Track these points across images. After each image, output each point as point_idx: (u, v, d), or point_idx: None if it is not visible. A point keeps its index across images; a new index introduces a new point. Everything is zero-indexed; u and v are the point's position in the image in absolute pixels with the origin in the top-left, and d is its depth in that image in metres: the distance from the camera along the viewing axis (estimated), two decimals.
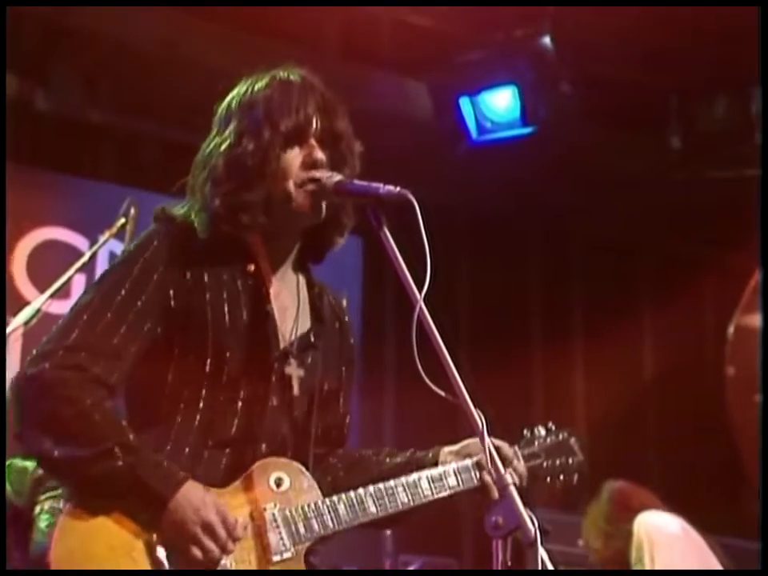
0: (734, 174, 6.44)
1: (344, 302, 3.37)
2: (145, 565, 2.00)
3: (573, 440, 2.53)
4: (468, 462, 2.34)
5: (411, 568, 5.38)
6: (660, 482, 6.65)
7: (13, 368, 5.15)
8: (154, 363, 2.13)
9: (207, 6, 5.52)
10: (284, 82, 2.26)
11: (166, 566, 2.00)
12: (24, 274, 5.86)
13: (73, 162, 6.17)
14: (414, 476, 2.28)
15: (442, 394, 1.87)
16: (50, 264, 5.39)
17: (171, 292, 2.13)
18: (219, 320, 2.14)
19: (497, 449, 2.29)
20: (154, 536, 2.01)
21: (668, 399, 7.56)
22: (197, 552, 2.00)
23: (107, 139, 6.37)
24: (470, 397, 1.86)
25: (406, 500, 2.24)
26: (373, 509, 2.19)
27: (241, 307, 2.18)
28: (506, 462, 2.31)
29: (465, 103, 6.26)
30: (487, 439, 1.84)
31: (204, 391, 2.13)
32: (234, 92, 2.29)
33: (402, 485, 2.25)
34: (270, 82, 2.26)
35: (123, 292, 2.11)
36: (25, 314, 3.74)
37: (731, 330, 7.07)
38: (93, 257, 4.10)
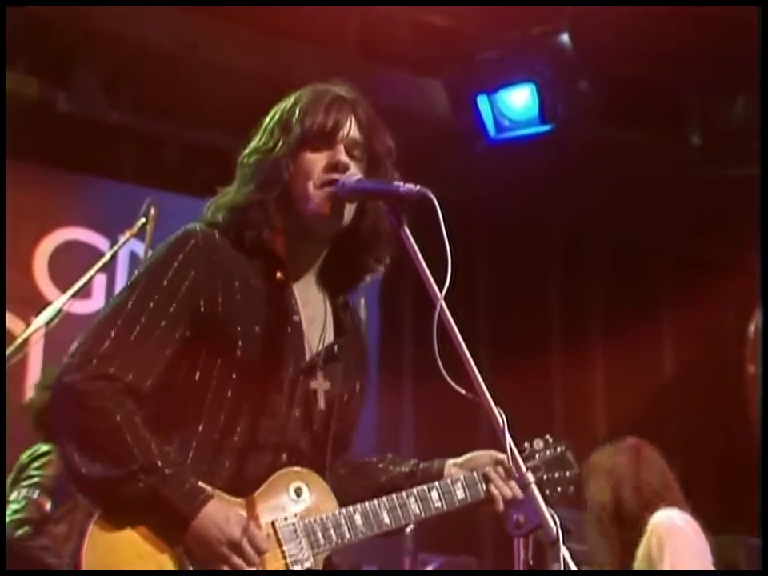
0: (753, 171, 6.40)
1: (362, 302, 3.36)
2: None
3: (569, 453, 2.54)
4: (475, 474, 2.35)
5: (430, 567, 5.37)
6: (680, 481, 6.61)
7: (35, 367, 5.19)
8: (180, 368, 2.14)
9: (226, 6, 5.54)
10: (322, 90, 2.28)
11: None
12: (46, 274, 5.90)
13: (93, 163, 6.21)
14: (425, 488, 2.28)
15: (463, 391, 1.87)
16: (71, 264, 5.42)
17: (202, 298, 2.13)
18: (246, 328, 2.14)
19: (500, 462, 2.34)
20: (181, 549, 2.03)
21: (689, 398, 7.52)
22: (225, 568, 2.02)
23: (127, 140, 6.41)
24: (491, 394, 1.86)
25: (417, 512, 2.25)
26: (387, 520, 2.21)
27: (268, 316, 2.18)
28: (509, 474, 2.33)
29: (483, 101, 6.25)
30: (508, 437, 1.83)
31: (228, 399, 2.13)
32: (279, 104, 2.31)
33: (414, 496, 2.25)
34: (311, 91, 2.28)
35: (156, 297, 2.11)
36: (46, 314, 3.76)
37: (752, 328, 7.02)
38: (113, 257, 4.12)
